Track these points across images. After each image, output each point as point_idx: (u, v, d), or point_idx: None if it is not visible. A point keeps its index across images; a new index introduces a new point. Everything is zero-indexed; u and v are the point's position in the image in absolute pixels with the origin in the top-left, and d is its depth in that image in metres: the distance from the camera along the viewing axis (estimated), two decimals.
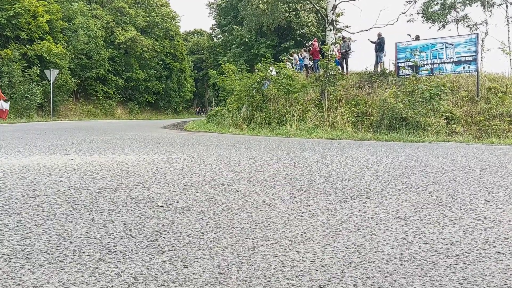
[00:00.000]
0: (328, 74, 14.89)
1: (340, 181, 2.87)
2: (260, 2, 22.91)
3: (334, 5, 16.47)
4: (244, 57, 31.90)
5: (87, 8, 29.89)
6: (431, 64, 13.72)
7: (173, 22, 42.53)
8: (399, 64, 14.51)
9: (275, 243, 1.58)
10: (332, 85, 14.55)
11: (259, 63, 18.01)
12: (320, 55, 18.81)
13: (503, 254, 1.48)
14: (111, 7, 34.13)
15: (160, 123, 21.49)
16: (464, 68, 13.15)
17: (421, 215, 2.01)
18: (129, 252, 1.44)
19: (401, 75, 14.33)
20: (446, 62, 13.45)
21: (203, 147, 5.26)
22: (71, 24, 26.47)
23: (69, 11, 26.19)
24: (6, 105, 17.21)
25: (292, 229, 1.77)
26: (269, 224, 1.83)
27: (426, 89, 11.62)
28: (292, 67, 22.09)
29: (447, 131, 11.55)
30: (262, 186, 2.64)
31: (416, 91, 11.94)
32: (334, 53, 16.93)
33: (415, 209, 2.12)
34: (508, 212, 2.05)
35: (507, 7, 18.46)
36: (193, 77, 49.47)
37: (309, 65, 21.48)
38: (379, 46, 18.31)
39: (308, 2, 19.26)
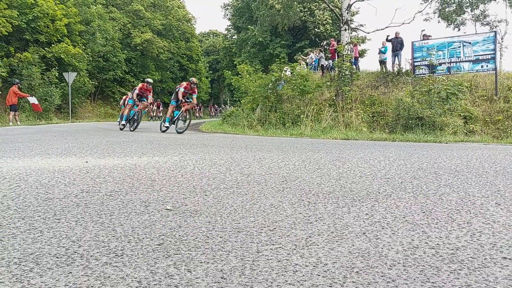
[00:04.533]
0: (342, 74, 14.80)
1: (349, 183, 2.86)
2: (276, 2, 22.89)
3: (348, 4, 16.33)
4: (259, 57, 31.95)
5: (105, 11, 30.35)
6: (448, 63, 13.53)
7: (189, 24, 42.83)
8: (415, 63, 14.34)
9: (280, 247, 1.60)
10: (346, 85, 14.45)
11: (274, 64, 18.04)
12: (336, 55, 18.66)
13: (509, 259, 1.46)
14: (128, 9, 34.57)
15: None
16: (482, 66, 12.93)
17: (429, 219, 1.99)
18: (135, 256, 1.48)
19: (417, 75, 14.17)
20: (463, 61, 13.24)
21: (215, 149, 5.30)
22: (88, 27, 26.91)
23: (87, 14, 26.63)
24: (34, 99, 18.22)
25: (298, 233, 1.78)
26: (274, 228, 1.84)
27: (443, 89, 11.45)
28: (307, 66, 22.03)
29: (465, 131, 11.37)
30: (270, 189, 2.65)
31: (432, 91, 11.77)
32: (349, 52, 16.80)
33: (424, 212, 2.10)
34: None
35: None
36: (209, 78, 49.76)
37: (325, 65, 21.39)
38: (400, 45, 18.12)
39: (323, 1, 19.14)
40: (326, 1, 17.91)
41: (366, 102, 14.43)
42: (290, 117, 15.24)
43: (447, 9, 17.85)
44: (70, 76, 22.46)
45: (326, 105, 15.00)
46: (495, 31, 14.06)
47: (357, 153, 4.77)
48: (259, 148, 5.51)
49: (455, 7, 17.72)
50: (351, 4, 16.81)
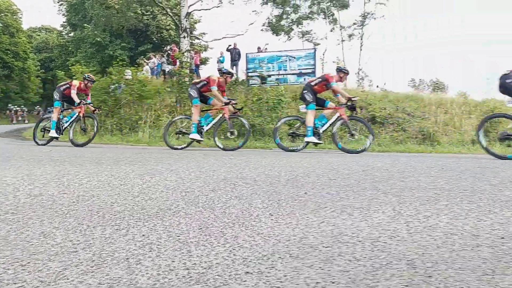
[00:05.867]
0: (181, 80, 14.90)
1: (146, 200, 2.81)
2: (115, 2, 21.88)
3: (187, 12, 16.56)
4: (98, 58, 30.05)
5: None
6: (277, 74, 14.74)
7: (14, 17, 37.92)
8: (249, 74, 15.27)
9: (20, 287, 1.44)
10: (185, 92, 14.55)
11: (111, 67, 17.29)
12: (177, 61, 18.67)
13: (251, 274, 1.58)
14: None
15: None
16: (304, 79, 14.45)
17: (202, 235, 2.06)
18: None
19: (251, 84, 15.08)
20: (289, 74, 14.62)
21: (18, 162, 4.71)
22: None
23: None
24: None
25: (53, 265, 1.64)
26: (29, 262, 1.67)
27: (270, 98, 12.46)
28: (151, 71, 21.60)
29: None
30: (53, 213, 2.43)
31: (262, 100, 12.70)
32: (188, 60, 17.02)
33: (200, 229, 2.17)
34: (282, 225, 2.23)
35: (341, 27, 20.99)
36: (40, 78, 44.75)
37: (167, 70, 21.25)
38: (238, 55, 19.09)
39: (161, 7, 19.01)
40: (165, 6, 17.84)
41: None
42: (128, 123, 14.70)
43: (277, 23, 19.61)
44: None
45: (166, 111, 14.89)
46: (315, 48, 15.94)
47: (175, 163, 4.78)
48: (74, 160, 5.10)
49: (283, 23, 19.60)
50: (190, 13, 17.09)
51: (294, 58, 14.55)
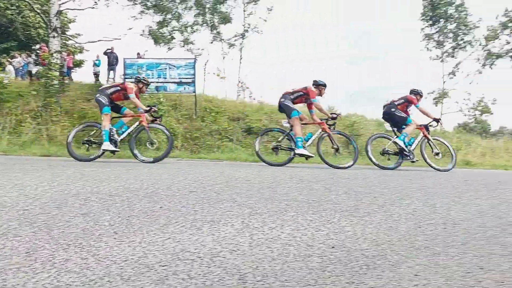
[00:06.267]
0: (48, 84, 13.70)
1: None
2: None
3: (58, 10, 15.31)
4: None
5: None
6: (156, 82, 14.38)
7: None
8: (127, 80, 14.64)
9: None
10: (53, 96, 13.43)
11: None
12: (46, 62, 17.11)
13: None
14: None
15: None
16: (184, 88, 14.39)
17: (26, 261, 1.85)
18: None
19: None
20: (169, 82, 14.39)
21: None
22: None
23: None
24: None
25: None
26: None
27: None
28: (15, 71, 19.49)
29: None
30: None
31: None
32: (59, 61, 15.75)
33: (27, 253, 1.95)
34: (124, 244, 2.12)
35: (221, 39, 21.45)
36: None
37: (34, 72, 19.43)
38: (116, 60, 18.21)
39: (28, 3, 17.33)
40: (31, 2, 16.28)
41: (75, 116, 13.74)
42: None
43: (157, 31, 19.25)
44: None
45: (28, 116, 13.50)
46: (195, 58, 15.97)
47: (23, 176, 4.27)
48: None
49: (164, 30, 19.32)
50: (61, 11, 15.84)
51: (174, 66, 14.38)
